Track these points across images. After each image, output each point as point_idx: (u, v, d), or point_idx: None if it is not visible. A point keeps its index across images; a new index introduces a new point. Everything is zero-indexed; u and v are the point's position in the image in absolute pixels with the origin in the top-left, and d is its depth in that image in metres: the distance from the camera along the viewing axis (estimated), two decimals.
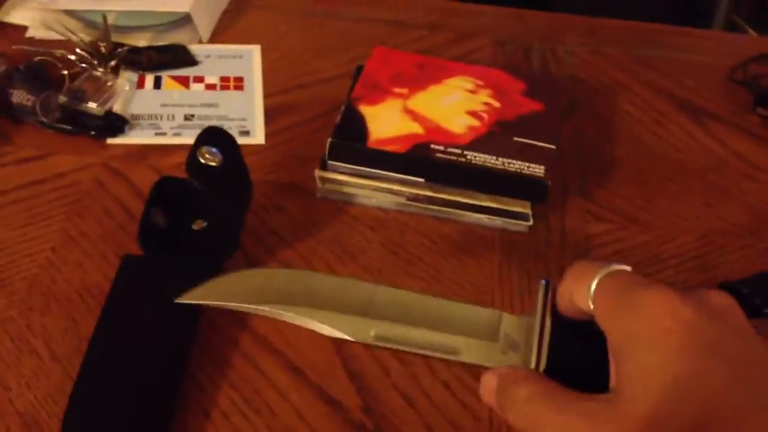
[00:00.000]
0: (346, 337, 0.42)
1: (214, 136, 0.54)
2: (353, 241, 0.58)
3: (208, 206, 0.54)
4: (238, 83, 0.70)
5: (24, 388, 0.47)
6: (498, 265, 0.57)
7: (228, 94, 0.69)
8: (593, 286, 0.38)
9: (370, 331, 0.42)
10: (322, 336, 0.51)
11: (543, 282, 0.41)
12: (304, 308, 0.43)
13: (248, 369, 0.50)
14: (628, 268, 0.39)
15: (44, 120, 0.62)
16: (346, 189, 0.60)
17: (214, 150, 0.53)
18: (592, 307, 0.38)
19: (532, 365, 0.39)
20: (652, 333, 0.36)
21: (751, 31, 1.39)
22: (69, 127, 0.63)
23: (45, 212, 0.57)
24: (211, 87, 0.69)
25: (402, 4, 0.82)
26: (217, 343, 0.51)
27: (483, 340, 0.41)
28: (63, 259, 0.54)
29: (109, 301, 0.50)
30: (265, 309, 0.43)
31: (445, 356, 0.42)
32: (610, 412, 0.35)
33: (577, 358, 0.40)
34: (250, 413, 0.47)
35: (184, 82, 0.69)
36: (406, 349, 0.42)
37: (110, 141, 0.63)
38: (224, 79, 0.70)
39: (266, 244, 0.57)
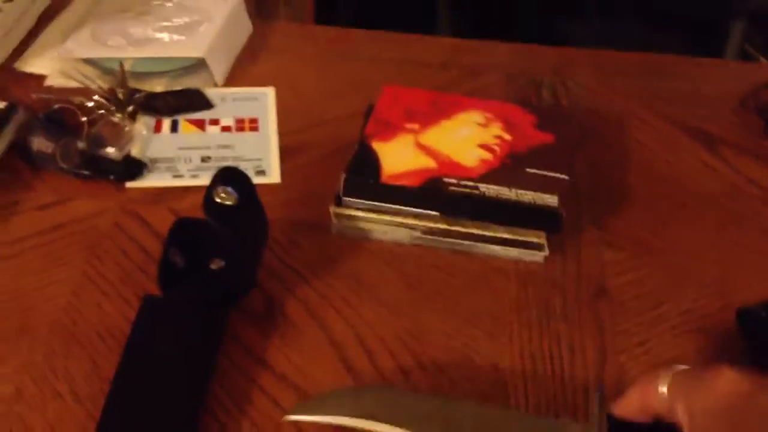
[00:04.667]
0: None
1: (229, 176, 0.55)
2: (370, 277, 0.58)
3: (224, 245, 0.54)
4: (253, 124, 0.71)
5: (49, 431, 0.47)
6: (515, 296, 0.58)
7: (243, 136, 0.70)
8: (666, 384, 0.43)
9: None
10: (341, 371, 0.52)
11: (598, 393, 0.47)
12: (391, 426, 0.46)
13: (268, 405, 0.50)
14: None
15: (64, 166, 0.63)
16: (361, 224, 0.61)
17: (229, 189, 0.54)
18: (667, 398, 0.42)
19: None
20: (724, 419, 0.39)
21: (763, 59, 1.39)
22: (88, 173, 0.64)
23: (64, 256, 0.58)
24: (226, 129, 0.71)
25: (414, 43, 0.83)
26: (237, 379, 0.51)
27: None
28: (83, 301, 0.54)
29: (130, 341, 0.50)
30: (360, 422, 0.46)
31: None
32: None
33: None
34: None
35: (200, 125, 0.71)
36: None
37: (129, 185, 0.64)
38: (239, 121, 0.71)
39: (284, 281, 0.57)
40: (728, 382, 0.40)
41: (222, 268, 0.55)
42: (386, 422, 0.46)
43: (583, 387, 0.52)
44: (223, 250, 0.55)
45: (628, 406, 0.45)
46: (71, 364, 0.51)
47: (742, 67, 1.02)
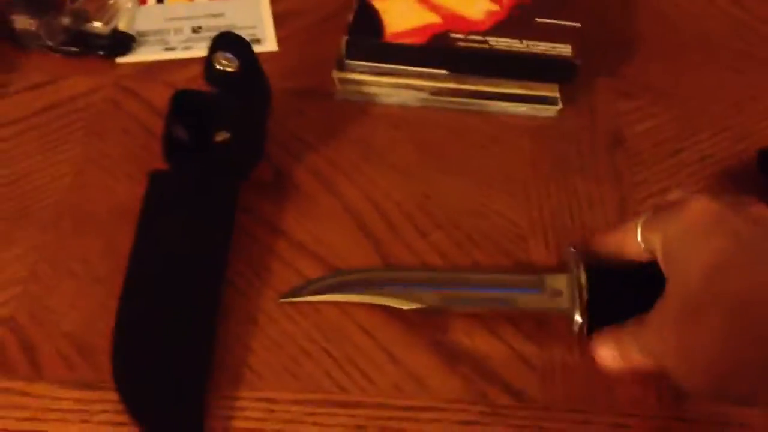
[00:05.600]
0: (420, 305, 0.47)
1: (228, 41, 0.52)
2: (379, 141, 0.57)
3: (229, 115, 0.52)
4: None
5: (68, 310, 0.46)
6: (529, 152, 0.56)
7: (234, 3, 0.66)
8: (640, 224, 0.44)
9: (437, 297, 0.48)
10: (359, 236, 0.51)
11: (572, 250, 0.48)
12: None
13: (288, 273, 0.49)
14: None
15: (50, 44, 0.60)
16: (366, 89, 0.59)
17: (229, 55, 0.51)
18: (641, 241, 0.43)
19: (576, 305, 0.46)
20: (693, 235, 0.40)
21: None
22: (76, 49, 0.61)
23: (63, 137, 0.55)
24: None
25: None
26: (254, 250, 0.50)
27: (534, 292, 0.47)
28: (88, 181, 0.53)
29: (142, 218, 0.49)
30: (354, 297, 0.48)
31: (504, 307, 0.47)
32: (655, 311, 0.41)
33: (612, 296, 0.46)
34: (296, 315, 0.47)
35: None
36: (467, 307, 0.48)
37: (119, 60, 0.61)
38: None
39: (291, 150, 0.56)
40: (698, 205, 0.41)
41: (227, 139, 0.53)
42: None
43: None
44: (228, 120, 0.53)
45: (605, 241, 0.47)
46: (84, 243, 0.49)
47: None
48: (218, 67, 0.51)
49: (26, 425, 0.42)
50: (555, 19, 0.58)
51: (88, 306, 0.47)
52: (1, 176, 0.53)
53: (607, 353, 0.44)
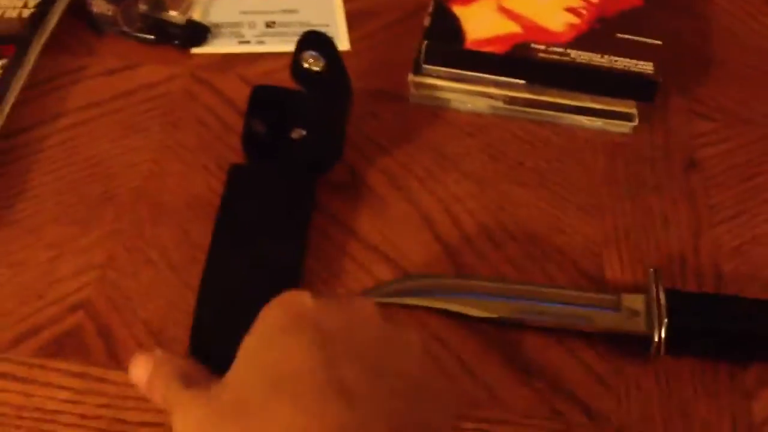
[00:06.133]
0: (492, 315, 0.47)
1: (314, 40, 0.52)
2: (452, 148, 0.57)
3: (311, 113, 0.52)
4: None
5: (145, 298, 0.46)
6: (604, 168, 0.56)
7: (307, 0, 0.66)
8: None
9: (511, 309, 0.47)
10: (431, 242, 0.51)
11: (651, 270, 0.48)
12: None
13: (360, 273, 0.49)
14: None
15: (127, 30, 0.60)
16: (441, 94, 0.58)
17: (316, 54, 0.51)
18: None
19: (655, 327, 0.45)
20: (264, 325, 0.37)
21: None
22: (152, 37, 0.61)
23: (140, 123, 0.55)
24: None
25: None
26: (328, 249, 0.50)
27: (611, 311, 0.47)
28: (165, 170, 0.53)
29: (222, 210, 0.49)
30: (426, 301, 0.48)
31: (580, 324, 0.47)
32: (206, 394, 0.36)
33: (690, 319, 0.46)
34: None
35: None
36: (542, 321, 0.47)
37: (194, 51, 0.61)
38: None
39: (364, 152, 0.56)
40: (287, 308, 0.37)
41: (304, 137, 0.53)
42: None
43: (680, 259, 0.51)
44: (308, 118, 0.53)
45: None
46: (161, 232, 0.49)
47: None
48: (305, 65, 0.51)
49: (103, 411, 0.42)
50: (635, 35, 0.57)
51: (164, 295, 0.47)
52: (80, 160, 0.53)
53: (140, 375, 0.40)
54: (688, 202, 0.54)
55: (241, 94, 0.55)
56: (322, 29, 0.64)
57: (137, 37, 0.61)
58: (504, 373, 0.46)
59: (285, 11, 0.66)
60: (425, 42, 0.57)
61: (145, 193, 0.51)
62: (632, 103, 0.57)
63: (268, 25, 0.64)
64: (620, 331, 0.47)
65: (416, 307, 0.48)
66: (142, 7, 0.61)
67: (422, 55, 0.57)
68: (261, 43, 0.63)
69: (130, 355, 0.40)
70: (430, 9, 0.60)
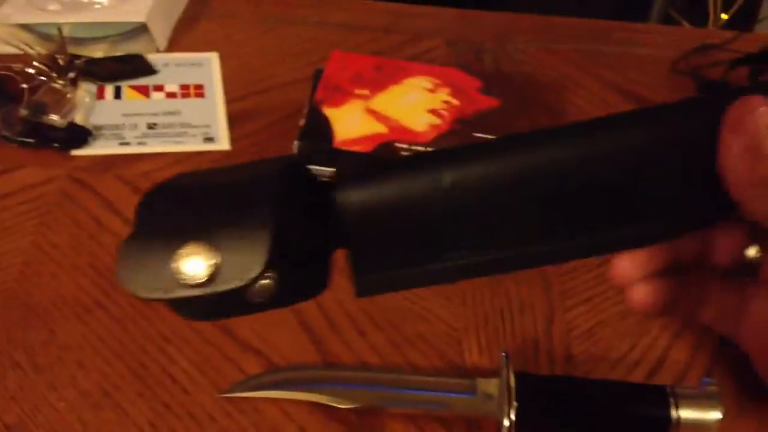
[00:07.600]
0: (355, 405, 0.49)
1: None
2: None
3: None
4: (199, 90, 0.70)
5: (10, 402, 0.47)
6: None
7: (189, 102, 0.69)
8: None
9: (374, 397, 0.50)
10: (300, 333, 0.53)
11: (503, 354, 0.49)
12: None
13: (230, 369, 0.50)
14: None
15: (6, 134, 0.62)
16: None
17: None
18: None
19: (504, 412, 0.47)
20: None
21: (685, 23, 1.44)
22: (32, 141, 0.62)
23: (14, 226, 0.57)
24: (171, 95, 0.70)
25: (355, 7, 0.84)
26: (197, 345, 0.51)
27: (467, 396, 0.49)
28: (36, 271, 0.54)
29: None
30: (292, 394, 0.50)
31: (437, 410, 0.49)
32: None
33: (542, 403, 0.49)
34: (234, 412, 0.48)
35: (144, 91, 0.70)
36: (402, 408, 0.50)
37: (75, 153, 0.63)
38: (184, 87, 0.71)
39: None
40: None
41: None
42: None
43: (533, 343, 0.54)
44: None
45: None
46: (28, 334, 0.50)
47: (672, 30, 1.05)
48: None
49: None
50: (491, 134, 0.62)
51: (27, 398, 0.47)
52: None
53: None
54: (542, 288, 0.58)
55: (120, 194, 0.57)
56: (203, 129, 0.67)
57: (17, 140, 0.62)
58: None
59: (167, 113, 0.68)
60: (297, 141, 0.60)
61: (14, 295, 0.52)
62: None
63: (150, 126, 0.67)
64: (476, 416, 0.49)
65: (281, 399, 0.49)
66: (23, 112, 0.63)
67: (295, 154, 0.60)
68: (142, 144, 0.65)
69: None
70: (305, 110, 0.63)
